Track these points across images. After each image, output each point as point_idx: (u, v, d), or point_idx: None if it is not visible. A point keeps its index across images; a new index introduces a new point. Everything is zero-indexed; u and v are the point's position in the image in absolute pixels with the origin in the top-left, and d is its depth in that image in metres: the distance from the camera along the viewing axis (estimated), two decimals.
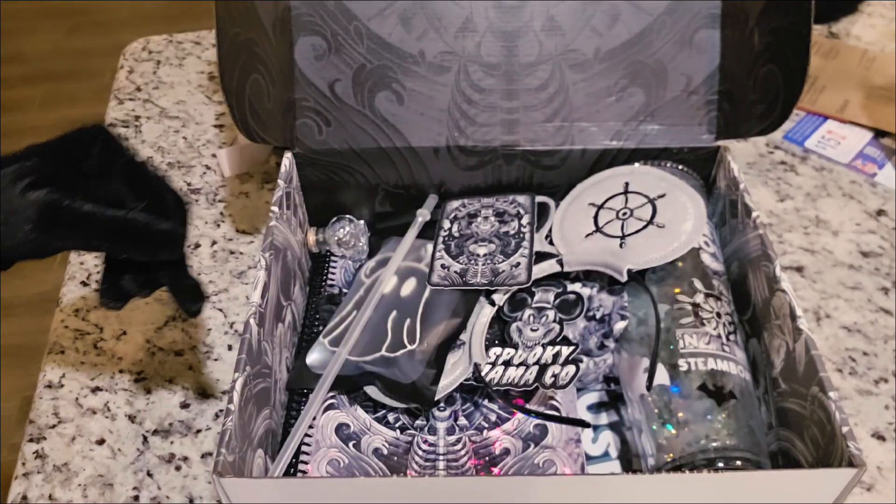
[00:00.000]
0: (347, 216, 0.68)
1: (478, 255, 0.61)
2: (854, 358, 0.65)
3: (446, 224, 0.65)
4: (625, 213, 0.60)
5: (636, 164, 0.64)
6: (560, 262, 0.58)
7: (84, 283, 0.72)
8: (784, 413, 0.51)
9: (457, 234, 0.64)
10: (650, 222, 0.59)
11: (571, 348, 0.53)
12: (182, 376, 0.65)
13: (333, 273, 0.67)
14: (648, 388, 0.51)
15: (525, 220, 0.63)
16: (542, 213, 0.65)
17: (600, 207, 0.62)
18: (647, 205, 0.60)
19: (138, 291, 0.51)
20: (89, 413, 0.63)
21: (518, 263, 0.59)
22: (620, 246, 0.58)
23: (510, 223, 0.63)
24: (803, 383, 0.48)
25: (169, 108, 0.91)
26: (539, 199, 0.66)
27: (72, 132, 0.50)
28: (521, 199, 0.66)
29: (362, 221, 0.68)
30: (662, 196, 0.60)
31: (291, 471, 0.53)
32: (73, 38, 2.39)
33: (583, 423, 0.54)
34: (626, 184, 0.62)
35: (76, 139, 0.50)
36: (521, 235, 0.62)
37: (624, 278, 0.55)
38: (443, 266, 0.61)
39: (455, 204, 0.67)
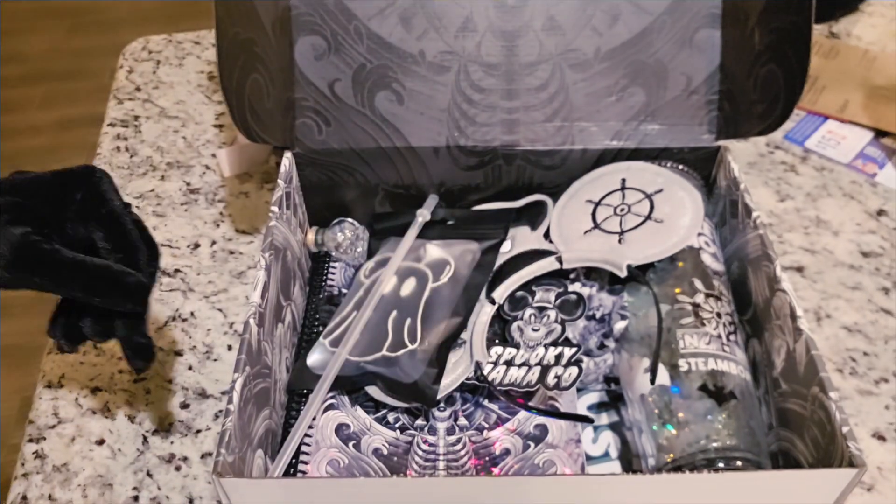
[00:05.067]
0: (349, 220, 0.68)
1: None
2: (854, 358, 0.65)
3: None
4: (622, 209, 0.60)
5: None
6: (559, 260, 0.58)
7: None
8: (784, 413, 0.51)
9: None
10: (648, 217, 0.59)
11: (574, 350, 0.53)
12: (182, 376, 0.65)
13: (333, 273, 0.67)
14: (652, 381, 0.51)
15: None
16: (539, 212, 0.65)
17: (598, 204, 0.62)
18: (645, 200, 0.60)
19: (94, 337, 0.51)
20: (89, 413, 0.63)
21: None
22: (619, 242, 0.58)
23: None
24: (804, 383, 0.48)
25: (168, 107, 0.91)
26: (536, 197, 0.66)
27: (60, 172, 0.50)
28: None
29: (362, 227, 0.68)
30: (660, 191, 0.60)
31: (291, 471, 0.53)
32: (72, 38, 2.39)
33: (586, 419, 0.54)
34: (623, 180, 0.62)
35: (63, 180, 0.50)
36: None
37: (624, 273, 0.55)
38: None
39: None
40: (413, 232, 0.64)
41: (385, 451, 0.53)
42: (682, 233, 0.57)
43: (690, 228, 0.57)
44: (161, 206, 0.79)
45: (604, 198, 0.62)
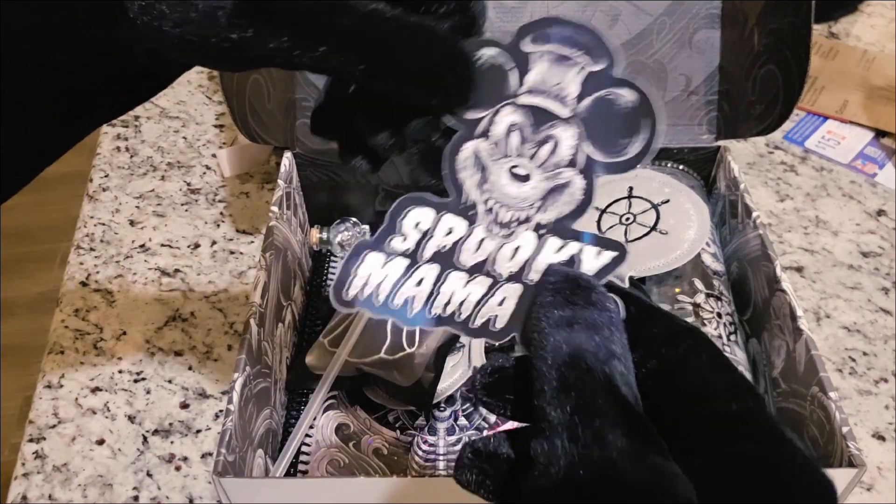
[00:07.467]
0: (352, 219, 0.68)
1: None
2: (854, 358, 0.65)
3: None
4: (628, 219, 0.60)
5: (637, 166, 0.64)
6: None
7: (84, 283, 0.72)
8: (784, 413, 0.51)
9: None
10: (653, 228, 0.59)
11: None
12: (182, 376, 0.65)
13: (334, 273, 0.67)
14: None
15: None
16: None
17: (603, 212, 0.62)
18: (651, 210, 0.60)
19: (391, 150, 0.33)
20: (89, 413, 0.63)
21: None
22: None
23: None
24: (803, 383, 0.48)
25: (169, 108, 0.91)
26: None
27: None
28: None
29: (367, 226, 0.68)
30: (666, 202, 0.60)
31: (291, 471, 0.53)
32: None
33: None
34: (630, 188, 0.62)
35: None
36: None
37: (626, 285, 0.55)
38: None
39: None
40: None
41: (385, 451, 0.53)
42: (687, 246, 0.57)
43: (695, 242, 0.57)
44: (161, 206, 0.79)
45: (609, 205, 0.62)
